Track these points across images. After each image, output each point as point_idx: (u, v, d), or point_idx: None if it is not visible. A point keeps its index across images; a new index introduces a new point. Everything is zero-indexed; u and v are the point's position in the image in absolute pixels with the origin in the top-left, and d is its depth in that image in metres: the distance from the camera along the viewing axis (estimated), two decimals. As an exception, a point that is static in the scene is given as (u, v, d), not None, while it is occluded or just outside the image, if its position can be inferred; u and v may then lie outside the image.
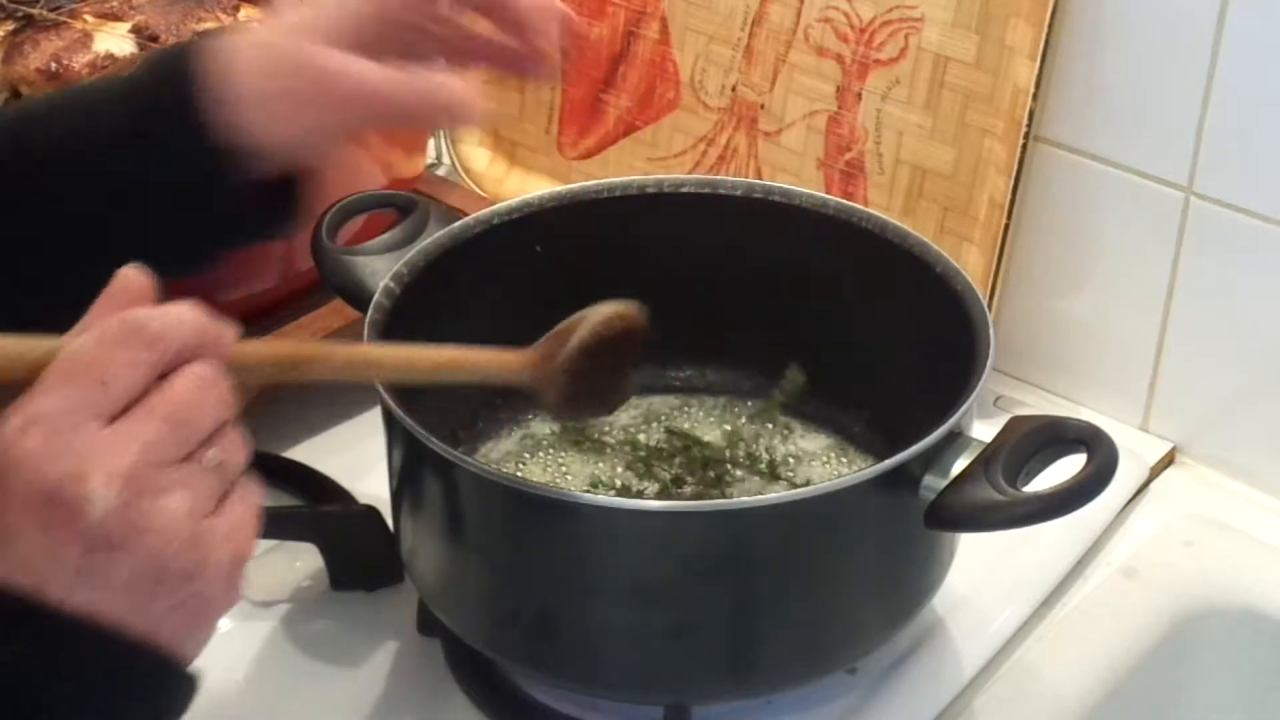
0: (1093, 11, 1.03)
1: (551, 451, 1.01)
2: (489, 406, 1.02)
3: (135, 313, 0.63)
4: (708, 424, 1.03)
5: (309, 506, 1.02)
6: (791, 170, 1.15)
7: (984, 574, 0.96)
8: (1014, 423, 0.84)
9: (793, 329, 1.03)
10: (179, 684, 0.64)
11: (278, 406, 1.08)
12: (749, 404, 1.04)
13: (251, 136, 0.78)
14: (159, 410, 0.62)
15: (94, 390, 0.61)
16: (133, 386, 0.62)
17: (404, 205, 0.98)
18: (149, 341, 0.62)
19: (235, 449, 0.64)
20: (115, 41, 1.08)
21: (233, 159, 0.78)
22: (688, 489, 0.98)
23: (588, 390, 0.81)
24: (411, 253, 0.94)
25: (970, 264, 1.07)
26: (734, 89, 1.17)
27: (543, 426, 1.03)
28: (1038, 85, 1.03)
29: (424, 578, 0.90)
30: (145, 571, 0.61)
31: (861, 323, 0.99)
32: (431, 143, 1.27)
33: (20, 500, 0.60)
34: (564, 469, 1.00)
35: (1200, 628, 0.97)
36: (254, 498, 0.65)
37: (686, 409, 1.05)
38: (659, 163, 1.21)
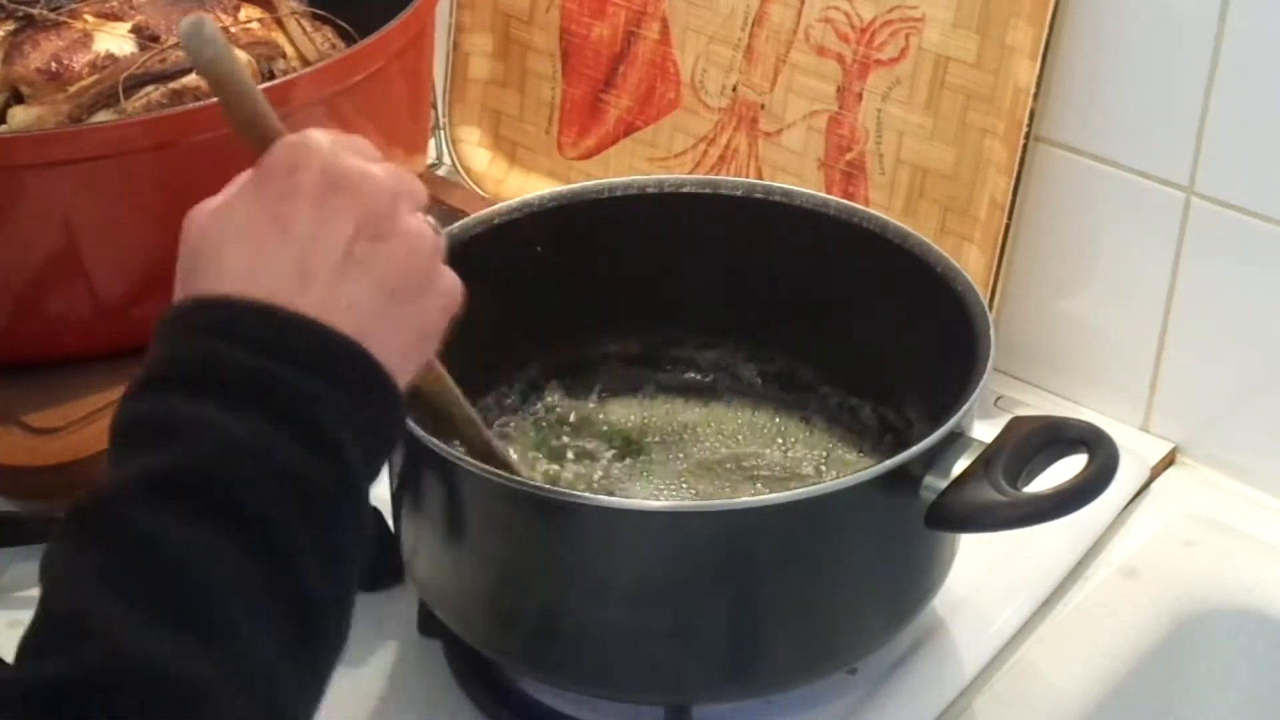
0: (1093, 11, 1.03)
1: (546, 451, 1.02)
2: (487, 410, 1.02)
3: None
4: (706, 424, 1.04)
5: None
6: (792, 170, 1.15)
7: (984, 574, 0.96)
8: (1015, 423, 0.84)
9: (793, 329, 1.03)
10: (396, 406, 0.68)
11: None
12: (747, 403, 1.04)
13: None
14: (397, 172, 0.70)
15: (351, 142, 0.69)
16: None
17: (404, 205, 0.97)
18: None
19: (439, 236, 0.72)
20: (115, 41, 1.08)
21: None
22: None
23: None
24: (412, 253, 0.94)
25: (971, 264, 1.06)
26: (734, 89, 1.17)
27: (541, 427, 1.03)
28: (1038, 85, 1.03)
29: (425, 578, 0.90)
30: (394, 271, 0.67)
31: (862, 323, 0.99)
32: (431, 143, 1.27)
33: (308, 189, 0.66)
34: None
35: (1201, 628, 0.97)
36: (458, 282, 0.72)
37: (685, 408, 1.05)
38: (659, 163, 1.21)
